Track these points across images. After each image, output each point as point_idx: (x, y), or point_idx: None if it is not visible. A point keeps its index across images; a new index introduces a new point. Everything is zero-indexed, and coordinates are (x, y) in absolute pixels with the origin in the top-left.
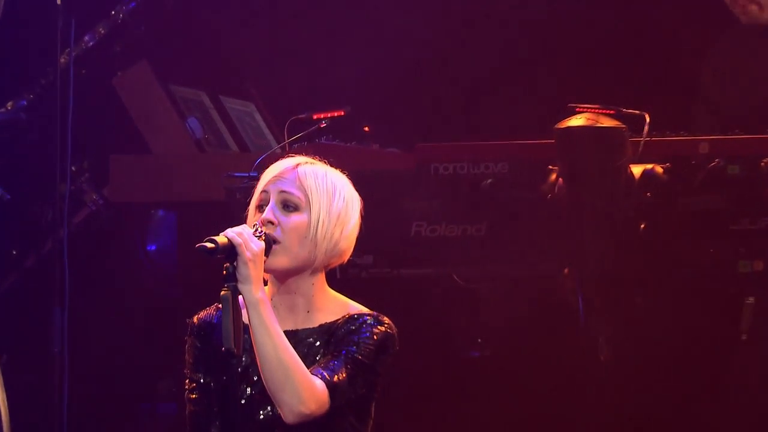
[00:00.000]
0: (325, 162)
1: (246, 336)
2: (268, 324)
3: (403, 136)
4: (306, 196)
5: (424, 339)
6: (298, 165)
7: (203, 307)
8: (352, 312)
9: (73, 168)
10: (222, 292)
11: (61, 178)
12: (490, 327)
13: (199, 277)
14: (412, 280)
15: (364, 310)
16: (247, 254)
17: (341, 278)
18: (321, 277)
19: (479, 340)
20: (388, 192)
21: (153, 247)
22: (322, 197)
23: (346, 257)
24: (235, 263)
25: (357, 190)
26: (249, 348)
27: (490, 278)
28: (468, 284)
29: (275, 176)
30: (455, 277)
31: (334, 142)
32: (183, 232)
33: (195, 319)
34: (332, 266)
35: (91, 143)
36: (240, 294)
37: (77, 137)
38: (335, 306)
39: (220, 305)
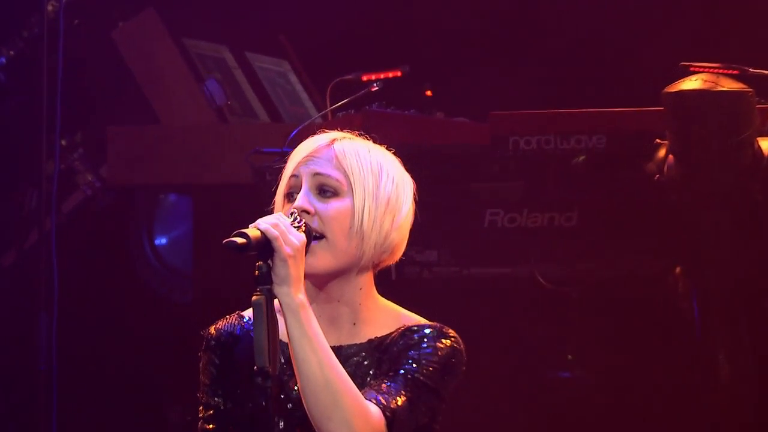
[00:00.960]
0: (367, 138)
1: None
2: (312, 335)
3: (474, 101)
4: (346, 177)
5: (501, 355)
6: (333, 141)
7: (224, 316)
8: (409, 323)
9: (63, 142)
10: (254, 297)
11: (48, 155)
12: (583, 341)
13: (219, 279)
14: (485, 281)
15: (422, 320)
16: (286, 249)
17: (397, 279)
18: (369, 280)
19: (569, 357)
20: (456, 172)
21: (162, 241)
22: (366, 178)
23: (399, 254)
24: (270, 261)
25: (418, 169)
26: (285, 366)
27: (583, 279)
28: (555, 287)
29: (307, 156)
30: (539, 278)
31: (388, 110)
32: (200, 222)
33: (213, 330)
34: (382, 266)
35: (86, 111)
36: (276, 299)
37: (69, 103)
38: (387, 316)
39: (245, 313)
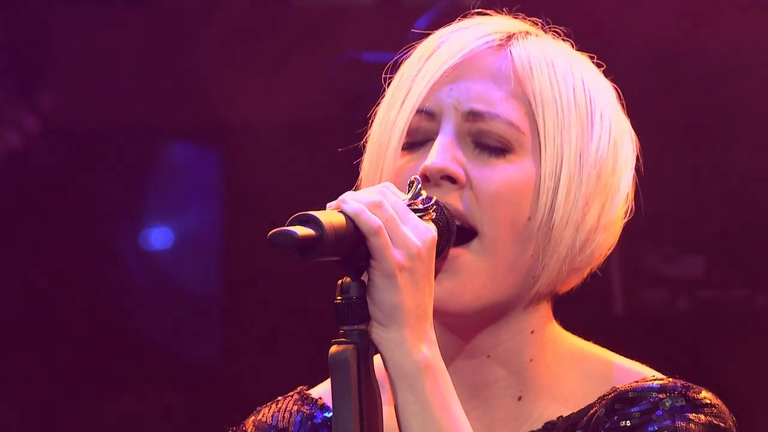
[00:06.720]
0: (553, 30)
1: None
2: (447, 426)
3: None
4: (532, 120)
5: None
6: (509, 38)
7: (277, 389)
8: (623, 383)
9: None
10: (332, 349)
11: None
12: None
13: (266, 314)
14: None
15: (647, 374)
16: (396, 255)
17: (626, 311)
18: (546, 314)
19: None
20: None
21: (163, 241)
22: (570, 124)
23: (599, 261)
24: (365, 276)
25: (663, 90)
26: None
27: None
28: None
29: (454, 68)
30: None
31: None
32: (236, 201)
33: (250, 427)
34: (568, 286)
35: None
36: (376, 351)
37: None
38: (580, 372)
39: (314, 392)
